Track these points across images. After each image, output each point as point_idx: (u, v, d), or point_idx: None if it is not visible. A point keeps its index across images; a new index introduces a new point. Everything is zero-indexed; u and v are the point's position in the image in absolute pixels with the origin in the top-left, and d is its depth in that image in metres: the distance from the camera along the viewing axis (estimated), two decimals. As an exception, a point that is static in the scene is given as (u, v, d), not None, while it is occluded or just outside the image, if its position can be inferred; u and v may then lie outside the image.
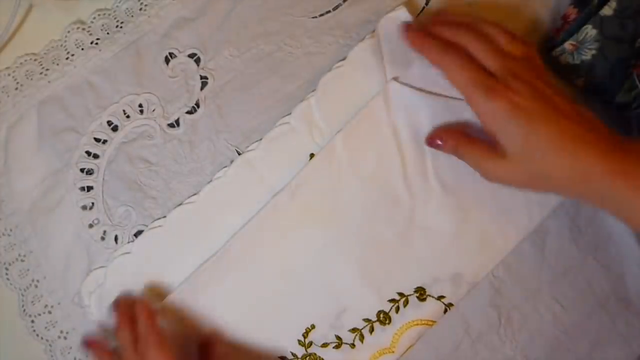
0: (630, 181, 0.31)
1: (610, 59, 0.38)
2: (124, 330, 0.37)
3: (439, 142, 0.38)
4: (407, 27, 0.38)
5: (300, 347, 0.40)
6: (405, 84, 0.40)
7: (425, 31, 0.38)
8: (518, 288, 0.41)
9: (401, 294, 0.40)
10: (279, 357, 0.40)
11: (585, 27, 0.38)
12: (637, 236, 0.41)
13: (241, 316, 0.40)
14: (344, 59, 0.42)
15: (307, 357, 0.40)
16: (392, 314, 0.40)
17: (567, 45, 0.39)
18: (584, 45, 0.39)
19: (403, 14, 0.42)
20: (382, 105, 0.41)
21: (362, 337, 0.40)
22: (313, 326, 0.40)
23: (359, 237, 0.40)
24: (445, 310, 0.40)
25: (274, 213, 0.40)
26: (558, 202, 0.40)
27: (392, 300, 0.40)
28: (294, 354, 0.40)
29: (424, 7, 0.43)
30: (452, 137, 0.38)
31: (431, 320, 0.40)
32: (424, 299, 0.40)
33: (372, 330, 0.40)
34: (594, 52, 0.38)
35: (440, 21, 0.39)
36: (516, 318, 0.41)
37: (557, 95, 0.34)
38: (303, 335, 0.40)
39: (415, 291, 0.40)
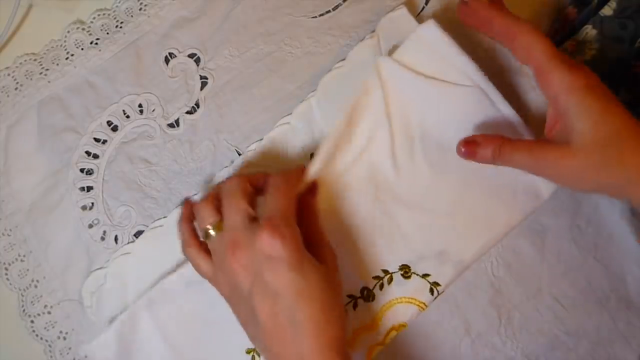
0: None
1: (610, 59, 0.38)
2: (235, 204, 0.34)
3: (475, 148, 0.35)
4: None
5: None
6: (397, 62, 0.39)
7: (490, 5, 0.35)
8: (518, 288, 0.41)
9: (385, 271, 0.40)
10: None
11: (585, 27, 0.38)
12: (638, 236, 0.41)
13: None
14: (344, 59, 0.42)
15: None
16: (376, 291, 0.39)
17: (567, 45, 0.39)
18: (584, 45, 0.39)
19: (403, 15, 0.42)
20: (374, 83, 0.40)
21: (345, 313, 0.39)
22: None
23: (345, 213, 0.40)
24: (431, 290, 0.39)
25: None
26: (550, 193, 0.39)
27: (376, 277, 0.40)
28: None
29: (423, 7, 0.43)
30: (491, 141, 0.34)
31: (415, 299, 0.39)
32: (408, 277, 0.39)
33: (355, 306, 0.40)
34: (594, 52, 0.38)
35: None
36: (517, 318, 0.41)
37: None
38: None
39: (400, 269, 0.40)
